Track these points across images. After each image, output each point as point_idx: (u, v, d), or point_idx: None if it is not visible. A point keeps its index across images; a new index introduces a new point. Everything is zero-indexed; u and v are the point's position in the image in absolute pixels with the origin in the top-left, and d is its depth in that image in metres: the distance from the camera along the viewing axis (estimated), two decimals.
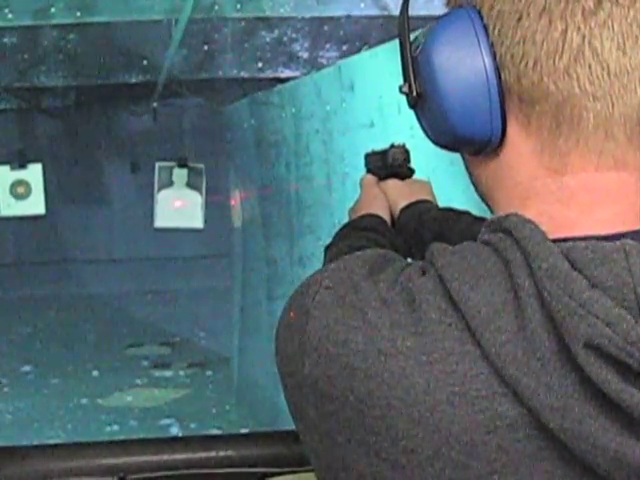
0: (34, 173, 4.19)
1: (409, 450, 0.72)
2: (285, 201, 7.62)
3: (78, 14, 6.00)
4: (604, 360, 0.68)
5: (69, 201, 12.45)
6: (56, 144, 12.14)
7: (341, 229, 1.41)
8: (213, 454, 1.64)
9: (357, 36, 7.01)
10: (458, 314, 0.73)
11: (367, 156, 1.56)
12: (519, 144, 0.79)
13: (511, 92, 0.78)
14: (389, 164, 1.50)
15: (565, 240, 0.74)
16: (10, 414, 8.03)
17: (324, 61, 7.53)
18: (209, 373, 9.44)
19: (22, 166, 4.17)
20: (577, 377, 0.69)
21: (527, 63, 0.76)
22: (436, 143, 0.86)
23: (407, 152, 1.50)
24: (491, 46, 0.78)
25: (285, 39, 7.47)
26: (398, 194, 1.48)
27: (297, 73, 7.79)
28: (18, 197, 4.20)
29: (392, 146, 1.51)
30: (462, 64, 0.79)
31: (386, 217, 1.45)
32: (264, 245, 8.20)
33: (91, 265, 13.15)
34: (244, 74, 8.03)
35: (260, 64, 7.82)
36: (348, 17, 6.81)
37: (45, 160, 4.19)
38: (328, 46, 7.44)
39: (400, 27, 0.85)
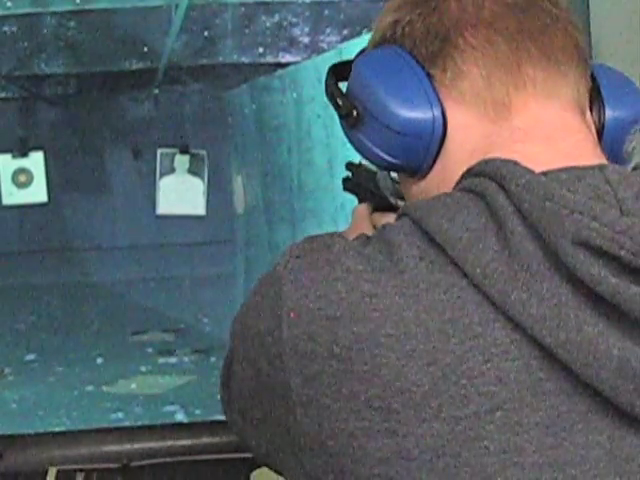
0: (36, 161, 4.19)
1: (404, 390, 0.68)
2: (287, 186, 7.60)
3: (77, 1, 5.98)
4: (595, 256, 0.66)
5: (71, 189, 12.44)
6: (57, 132, 12.13)
7: None
8: (217, 440, 1.63)
9: (358, 20, 6.99)
10: (438, 250, 0.71)
11: (352, 166, 1.22)
12: (461, 118, 0.80)
13: (435, 72, 0.82)
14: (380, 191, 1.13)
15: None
16: (15, 403, 8.05)
17: (325, 45, 7.51)
18: (213, 359, 9.44)
19: (24, 154, 4.17)
20: (569, 282, 0.67)
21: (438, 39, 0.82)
22: (385, 162, 0.85)
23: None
24: (412, 53, 0.83)
25: (285, 24, 7.45)
26: None
27: (298, 58, 7.77)
28: (20, 185, 4.20)
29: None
30: (390, 67, 0.83)
31: None
32: (266, 230, 8.18)
33: (94, 252, 13.15)
34: (245, 59, 8.01)
35: (261, 49, 7.80)
36: (349, 1, 6.79)
37: (47, 148, 4.19)
38: (329, 30, 7.42)
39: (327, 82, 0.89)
